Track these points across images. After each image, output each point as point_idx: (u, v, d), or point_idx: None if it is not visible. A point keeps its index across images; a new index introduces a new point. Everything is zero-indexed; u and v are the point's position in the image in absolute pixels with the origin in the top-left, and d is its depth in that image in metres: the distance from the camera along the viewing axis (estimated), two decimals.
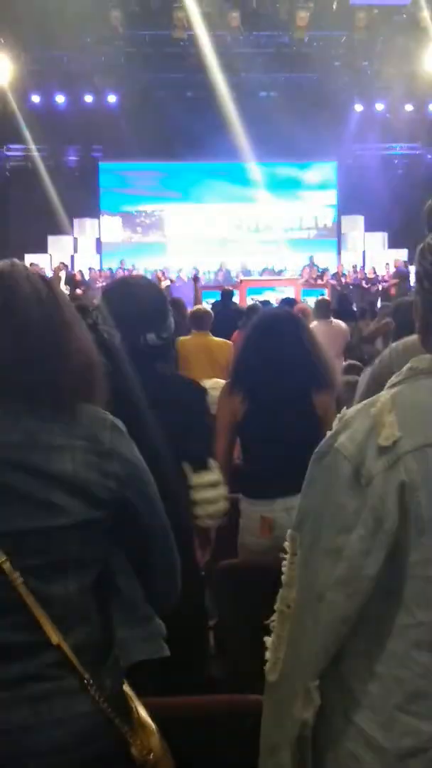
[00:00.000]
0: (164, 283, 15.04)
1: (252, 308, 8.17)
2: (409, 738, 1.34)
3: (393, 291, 16.61)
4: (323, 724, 1.41)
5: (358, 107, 20.29)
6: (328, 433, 1.43)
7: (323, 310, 8.44)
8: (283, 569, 1.46)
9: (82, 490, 1.50)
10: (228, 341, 6.77)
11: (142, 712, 1.60)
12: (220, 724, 1.91)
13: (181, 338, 6.37)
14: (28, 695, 1.46)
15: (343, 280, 18.74)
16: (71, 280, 17.93)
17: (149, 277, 15.15)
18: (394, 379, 1.46)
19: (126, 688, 1.61)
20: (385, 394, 1.41)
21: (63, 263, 19.01)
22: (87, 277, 18.87)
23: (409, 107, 19.97)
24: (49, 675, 1.48)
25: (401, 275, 17.76)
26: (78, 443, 1.51)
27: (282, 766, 1.42)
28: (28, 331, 1.50)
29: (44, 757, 1.45)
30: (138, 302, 2.46)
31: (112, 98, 19.65)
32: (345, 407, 1.48)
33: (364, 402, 1.44)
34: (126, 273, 17.74)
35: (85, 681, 1.49)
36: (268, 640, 1.47)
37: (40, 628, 1.46)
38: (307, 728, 1.39)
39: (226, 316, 8.95)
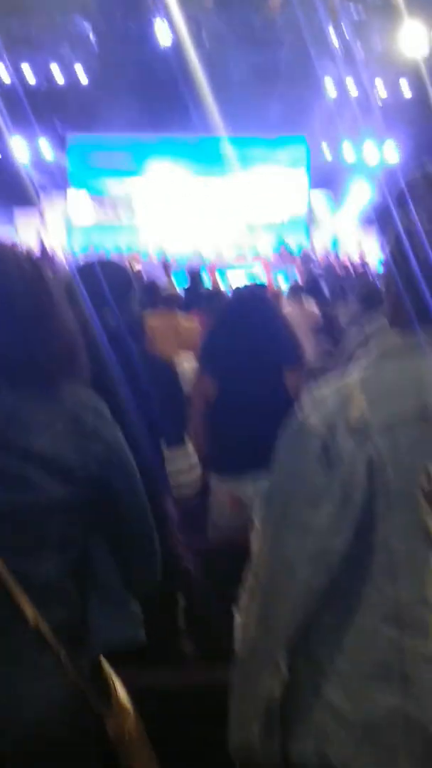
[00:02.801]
0: (137, 266, 14.95)
1: (216, 291, 8.26)
2: (376, 710, 1.37)
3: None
4: (292, 698, 1.43)
5: (329, 86, 20.23)
6: (297, 410, 1.45)
7: (295, 291, 8.46)
8: (252, 544, 1.48)
9: (61, 470, 1.49)
10: (195, 320, 6.78)
11: (121, 691, 1.61)
12: (191, 698, 1.93)
13: (149, 317, 6.36)
14: (5, 674, 1.46)
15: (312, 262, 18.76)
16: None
17: (121, 258, 15.07)
18: (363, 358, 1.48)
19: (106, 668, 1.62)
20: (354, 373, 1.43)
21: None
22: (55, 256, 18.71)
23: (380, 86, 19.96)
24: (27, 654, 1.48)
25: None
26: (60, 423, 1.50)
27: (250, 739, 1.44)
28: (11, 308, 1.49)
29: (21, 735, 1.46)
30: (102, 282, 2.47)
31: (81, 73, 19.41)
32: (314, 385, 1.49)
33: (333, 380, 1.46)
34: (92, 252, 17.60)
35: (62, 660, 1.49)
36: (237, 615, 1.49)
37: (18, 606, 1.46)
38: (274, 701, 1.41)
39: (194, 296, 8.96)
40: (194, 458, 2.62)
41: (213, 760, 1.82)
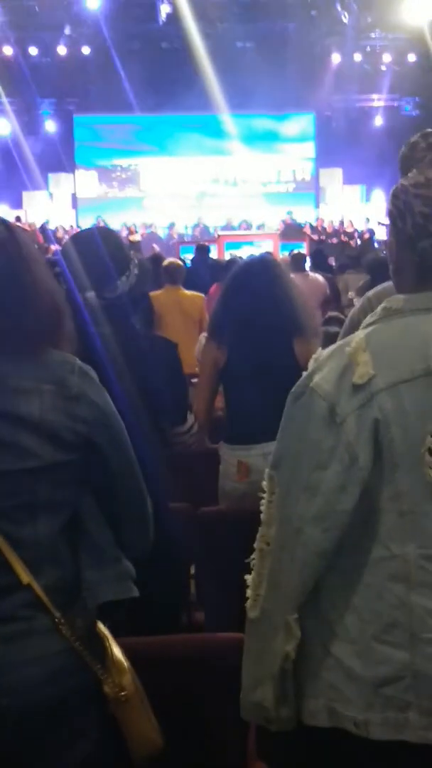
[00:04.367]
0: (133, 237, 14.83)
1: (231, 262, 8.13)
2: (385, 667, 1.39)
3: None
4: (302, 657, 1.45)
5: (336, 58, 19.99)
6: (304, 374, 1.45)
7: (299, 263, 8.41)
8: (262, 508, 1.49)
9: (50, 434, 1.51)
10: (200, 294, 6.76)
11: (117, 652, 1.63)
12: (198, 662, 1.95)
13: (153, 293, 6.34)
14: (1, 635, 1.48)
15: (317, 236, 18.62)
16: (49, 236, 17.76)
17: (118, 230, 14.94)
18: (368, 319, 1.49)
19: (101, 628, 1.63)
20: (359, 334, 1.43)
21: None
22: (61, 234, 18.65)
23: (387, 58, 19.72)
24: (21, 615, 1.50)
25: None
26: (46, 387, 1.51)
27: (264, 699, 1.46)
28: None
29: (19, 695, 1.48)
30: (83, 258, 2.32)
31: (85, 50, 19.23)
32: (320, 349, 1.50)
33: (339, 342, 1.46)
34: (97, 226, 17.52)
35: (57, 620, 1.51)
36: (249, 578, 1.50)
37: (11, 569, 1.48)
38: (288, 661, 1.43)
39: (203, 270, 8.92)
40: (193, 426, 2.70)
41: (223, 723, 1.85)
